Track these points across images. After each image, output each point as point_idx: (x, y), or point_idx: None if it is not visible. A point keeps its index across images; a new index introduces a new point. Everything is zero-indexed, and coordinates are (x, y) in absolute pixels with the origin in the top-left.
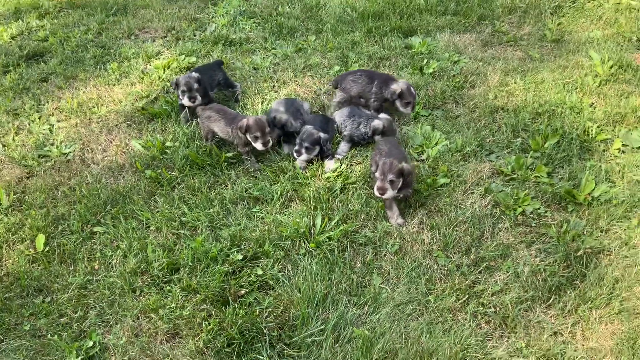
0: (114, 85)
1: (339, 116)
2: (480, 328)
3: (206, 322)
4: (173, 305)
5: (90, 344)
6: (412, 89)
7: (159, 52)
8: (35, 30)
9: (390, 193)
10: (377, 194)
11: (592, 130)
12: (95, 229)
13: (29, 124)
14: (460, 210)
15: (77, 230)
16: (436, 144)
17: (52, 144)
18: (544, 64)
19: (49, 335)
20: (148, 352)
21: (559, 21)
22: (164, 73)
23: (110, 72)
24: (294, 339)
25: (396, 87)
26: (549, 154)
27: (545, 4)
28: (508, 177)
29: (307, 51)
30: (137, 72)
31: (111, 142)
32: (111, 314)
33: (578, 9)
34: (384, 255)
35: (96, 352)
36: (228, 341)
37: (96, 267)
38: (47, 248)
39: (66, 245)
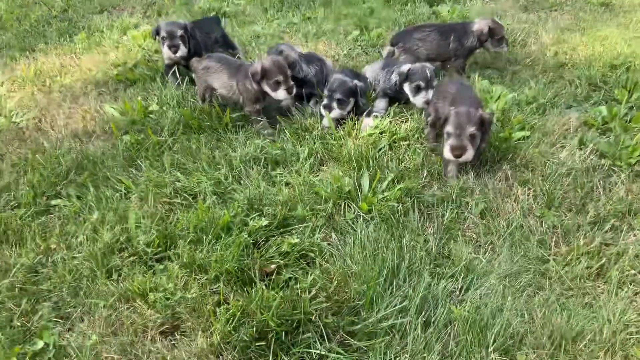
0: (82, 54)
1: (371, 71)
2: (633, 302)
3: (223, 308)
4: (170, 286)
5: (40, 345)
6: (498, 21)
7: (137, 24)
8: None
9: (470, 153)
10: (450, 156)
11: None
12: (53, 202)
13: None
14: (554, 164)
15: (27, 203)
16: (499, 98)
17: None
18: (602, 23)
19: None
20: (134, 353)
21: None
22: (144, 41)
23: (77, 42)
24: (359, 326)
25: (481, 25)
26: None
27: None
28: (601, 129)
29: (317, 20)
30: (111, 42)
31: (77, 110)
32: (75, 306)
33: None
34: (465, 217)
35: (50, 358)
36: (258, 332)
37: (53, 246)
38: None
39: (9, 221)
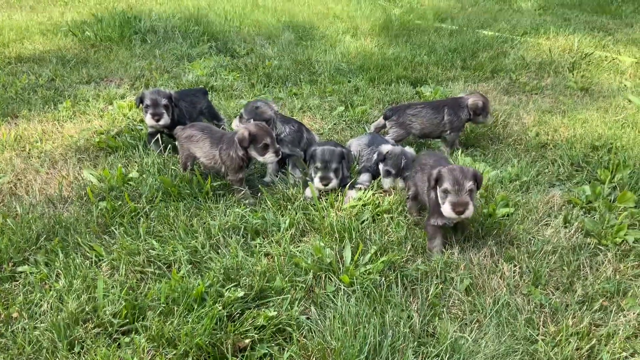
0: (65, 122)
1: (356, 144)
2: None
3: None
4: None
5: None
6: (484, 95)
7: (124, 95)
8: None
9: (472, 209)
10: (452, 213)
11: None
12: (19, 269)
13: None
14: (540, 241)
15: None
16: (482, 174)
17: None
18: (582, 106)
19: None
20: None
21: (582, 74)
22: (129, 111)
23: (61, 110)
24: None
25: (476, 100)
26: (627, 183)
27: (559, 61)
28: (585, 208)
29: (303, 95)
30: (95, 110)
31: (54, 176)
32: None
33: (597, 65)
34: (450, 294)
35: None
36: None
37: (14, 315)
38: None
39: None
